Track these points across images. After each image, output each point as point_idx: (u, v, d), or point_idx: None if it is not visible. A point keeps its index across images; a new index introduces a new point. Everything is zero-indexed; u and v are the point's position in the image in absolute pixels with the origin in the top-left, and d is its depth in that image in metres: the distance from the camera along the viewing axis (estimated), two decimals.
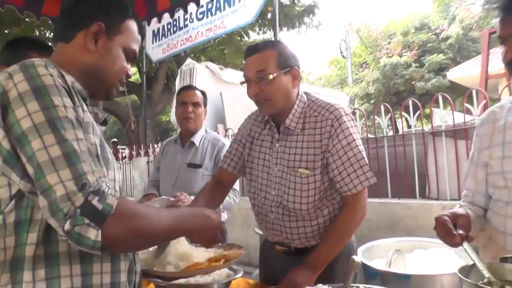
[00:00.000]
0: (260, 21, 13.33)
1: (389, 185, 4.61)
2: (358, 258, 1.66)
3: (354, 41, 24.42)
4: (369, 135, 5.13)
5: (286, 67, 1.98)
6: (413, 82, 19.31)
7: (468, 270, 1.27)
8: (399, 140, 4.61)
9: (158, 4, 4.61)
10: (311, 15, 13.56)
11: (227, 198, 2.90)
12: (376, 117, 4.81)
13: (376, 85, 20.49)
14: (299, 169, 2.00)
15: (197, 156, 3.17)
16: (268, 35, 14.07)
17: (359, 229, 2.95)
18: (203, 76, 7.73)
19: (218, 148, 3.17)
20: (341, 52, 22.96)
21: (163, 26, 7.78)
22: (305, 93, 2.13)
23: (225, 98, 7.66)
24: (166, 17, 6.69)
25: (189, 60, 8.02)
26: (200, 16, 7.04)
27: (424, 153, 4.42)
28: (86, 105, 1.29)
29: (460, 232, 1.38)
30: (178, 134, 3.41)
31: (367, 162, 1.96)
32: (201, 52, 12.62)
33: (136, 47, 1.47)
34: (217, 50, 13.10)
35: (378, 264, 2.44)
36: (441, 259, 1.80)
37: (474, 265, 1.27)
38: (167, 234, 1.32)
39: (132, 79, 16.47)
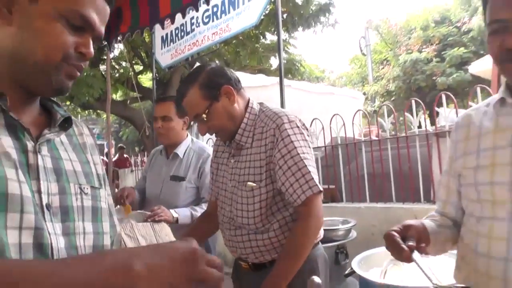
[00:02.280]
0: (275, 22, 13.27)
1: (393, 189, 4.47)
2: (318, 279, 1.57)
3: (374, 38, 24.25)
4: (385, 135, 4.93)
5: (214, 94, 1.95)
6: (434, 78, 19.08)
7: None
8: (403, 142, 4.48)
9: (160, 11, 4.62)
10: (327, 14, 13.42)
11: None
12: (407, 113, 4.59)
13: (397, 82, 20.34)
14: (247, 183, 1.95)
15: (181, 168, 3.09)
16: (284, 35, 13.98)
17: (362, 235, 2.86)
18: None
19: (203, 159, 3.08)
20: (361, 50, 22.88)
21: (171, 32, 7.77)
22: (259, 103, 2.08)
23: None
24: (176, 22, 6.76)
25: (198, 65, 8.00)
26: (206, 20, 7.01)
27: (428, 154, 4.28)
28: (3, 110, 0.93)
29: (409, 243, 1.29)
30: (163, 145, 3.34)
31: (310, 170, 1.87)
32: (215, 55, 12.62)
33: (86, 10, 0.99)
34: (231, 53, 13.06)
35: (374, 275, 2.36)
36: (440, 268, 1.70)
37: None
38: None
39: (147, 84, 16.61)
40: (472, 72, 14.23)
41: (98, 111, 16.30)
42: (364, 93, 21.44)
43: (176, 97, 2.09)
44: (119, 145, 16.65)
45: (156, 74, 12.79)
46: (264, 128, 1.96)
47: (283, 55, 14.15)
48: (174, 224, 2.69)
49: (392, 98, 20.90)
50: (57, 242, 0.93)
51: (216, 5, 6.71)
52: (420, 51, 19.95)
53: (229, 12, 6.52)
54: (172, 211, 2.73)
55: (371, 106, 21.39)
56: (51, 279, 0.69)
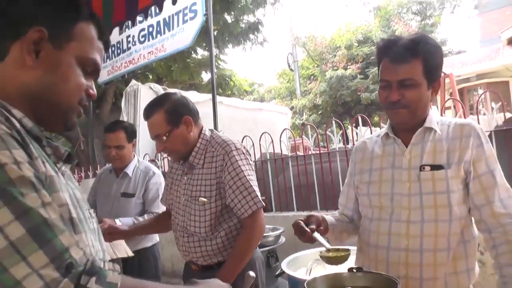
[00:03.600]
0: (206, 38, 13.58)
1: (318, 198, 4.94)
2: (253, 273, 1.95)
3: (302, 54, 25.11)
4: (308, 151, 5.41)
5: (177, 121, 2.33)
6: (359, 93, 20.10)
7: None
8: (326, 157, 4.98)
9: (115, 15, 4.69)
10: (255, 32, 13.95)
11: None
12: (328, 132, 5.15)
13: (324, 97, 21.21)
14: (199, 198, 2.33)
15: (130, 186, 3.46)
16: (214, 51, 14.33)
17: (290, 240, 3.27)
18: (147, 96, 7.94)
19: (148, 176, 3.48)
20: (289, 65, 23.59)
21: (108, 33, 7.93)
22: (210, 130, 2.47)
23: None
24: (112, 39, 6.92)
25: (133, 82, 8.23)
26: (142, 39, 7.25)
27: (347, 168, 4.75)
28: (43, 146, 1.03)
29: (311, 227, 1.71)
30: (112, 166, 3.66)
31: (255, 189, 2.28)
32: (149, 70, 12.77)
33: (96, 56, 1.13)
34: (164, 68, 13.27)
35: (301, 273, 2.78)
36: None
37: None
38: None
39: None
40: None
41: None
42: (292, 107, 22.18)
43: (144, 115, 2.41)
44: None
45: None
46: (215, 152, 2.35)
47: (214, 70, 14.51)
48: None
49: (320, 112, 21.86)
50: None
51: (151, 25, 7.03)
52: (345, 68, 20.96)
53: (164, 33, 6.84)
54: (116, 220, 3.07)
55: (299, 119, 22.17)
56: None
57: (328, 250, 1.68)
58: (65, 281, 0.79)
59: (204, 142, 2.42)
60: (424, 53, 1.74)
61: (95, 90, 1.17)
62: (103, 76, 8.12)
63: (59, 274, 0.79)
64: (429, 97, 1.82)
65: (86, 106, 1.19)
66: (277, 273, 3.43)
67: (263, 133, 5.37)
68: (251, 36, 14.00)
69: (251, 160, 2.42)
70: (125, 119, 7.90)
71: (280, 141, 5.25)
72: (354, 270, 1.58)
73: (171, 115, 2.32)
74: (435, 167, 1.76)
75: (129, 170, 3.51)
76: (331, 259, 1.67)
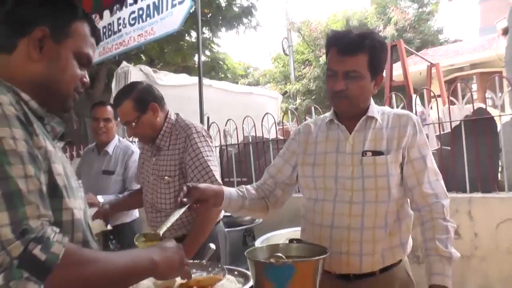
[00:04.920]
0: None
1: None
2: (213, 245, 2.12)
3: (297, 39, 25.08)
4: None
5: (144, 108, 2.53)
6: None
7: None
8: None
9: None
10: (249, 16, 14.00)
11: None
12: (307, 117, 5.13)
13: (317, 82, 21.28)
14: (165, 177, 2.54)
15: (111, 163, 3.64)
16: (207, 34, 14.44)
17: (267, 220, 3.47)
18: (137, 78, 8.01)
19: (127, 155, 3.66)
20: (284, 50, 23.57)
21: (99, 30, 8.01)
22: (176, 114, 2.65)
23: None
24: (104, 20, 7.03)
25: (124, 63, 8.31)
26: (132, 22, 7.31)
27: None
28: (44, 124, 1.23)
29: (184, 200, 1.81)
30: (95, 143, 3.86)
31: (212, 168, 2.48)
32: (141, 51, 12.84)
33: (89, 51, 1.34)
34: (157, 50, 13.34)
35: None
36: None
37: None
38: (124, 277, 1.14)
39: None
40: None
41: None
42: (286, 92, 22.26)
43: (113, 104, 2.63)
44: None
45: None
46: (178, 135, 2.57)
47: (207, 53, 14.54)
48: None
49: (313, 97, 21.92)
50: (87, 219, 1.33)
51: (141, 8, 7.11)
52: None
53: (153, 16, 6.93)
54: (99, 197, 3.25)
55: (292, 104, 22.28)
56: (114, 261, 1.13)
57: (151, 234, 1.74)
58: (17, 243, 0.92)
59: (169, 126, 2.63)
60: (370, 48, 1.89)
61: (88, 79, 1.38)
62: (94, 57, 8.19)
63: (13, 236, 0.93)
64: (371, 89, 1.99)
65: (81, 92, 1.38)
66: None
67: (245, 117, 5.52)
68: (245, 20, 14.07)
69: (211, 142, 2.61)
70: None
71: (262, 125, 5.40)
72: (294, 242, 1.78)
73: (138, 103, 2.53)
74: (376, 153, 1.94)
75: (110, 148, 3.70)
76: (141, 244, 1.71)
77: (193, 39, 14.71)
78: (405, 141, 1.94)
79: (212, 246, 2.12)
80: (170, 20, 6.61)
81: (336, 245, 1.94)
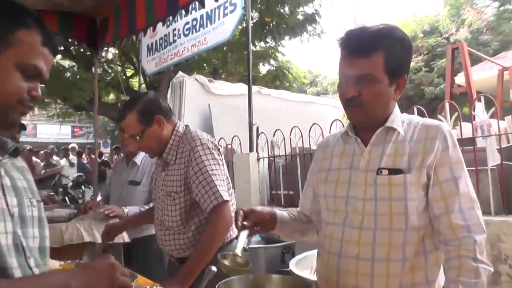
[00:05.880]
0: (264, 31, 13.67)
1: None
2: (214, 267, 1.97)
3: None
4: None
5: (148, 121, 2.40)
6: (423, 87, 19.27)
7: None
8: None
9: (137, 23, 4.98)
10: (313, 24, 13.82)
11: None
12: None
13: None
14: (172, 193, 2.40)
15: (138, 174, 3.57)
16: (271, 43, 14.40)
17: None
18: (192, 88, 8.09)
19: (155, 166, 3.54)
20: None
21: (156, 41, 8.18)
22: (185, 126, 2.52)
23: (213, 109, 8.00)
24: (160, 32, 7.14)
25: (179, 73, 8.37)
26: (186, 32, 7.40)
27: None
28: None
29: (244, 223, 1.70)
30: (125, 153, 3.80)
31: (217, 183, 2.31)
32: (203, 60, 13.01)
33: (38, 61, 1.23)
34: (220, 59, 13.45)
35: (307, 273, 2.77)
36: None
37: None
38: None
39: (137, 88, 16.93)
40: (459, 83, 14.56)
41: (91, 112, 16.64)
42: None
43: (118, 117, 2.53)
44: (115, 145, 16.88)
45: (148, 78, 13.20)
46: (184, 149, 2.43)
47: (272, 62, 14.49)
48: None
49: None
50: (25, 243, 1.23)
51: (195, 19, 7.16)
52: None
53: (206, 26, 6.95)
54: (123, 208, 3.24)
55: None
56: None
57: (232, 256, 1.67)
58: None
59: (177, 138, 2.48)
60: (386, 47, 1.61)
61: (38, 91, 1.27)
62: (152, 68, 8.36)
63: None
64: (390, 95, 1.68)
65: (30, 106, 1.27)
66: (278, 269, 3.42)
67: (293, 127, 5.33)
68: (309, 27, 13.90)
69: (218, 155, 2.45)
70: None
71: (309, 136, 5.18)
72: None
73: (143, 115, 2.41)
74: (393, 171, 1.64)
75: (138, 159, 3.64)
76: (226, 267, 1.66)
77: (258, 48, 14.72)
78: (432, 157, 1.62)
79: (214, 268, 1.96)
80: (222, 30, 6.61)
81: (343, 278, 1.69)
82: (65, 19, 5.17)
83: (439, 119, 4.60)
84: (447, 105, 4.42)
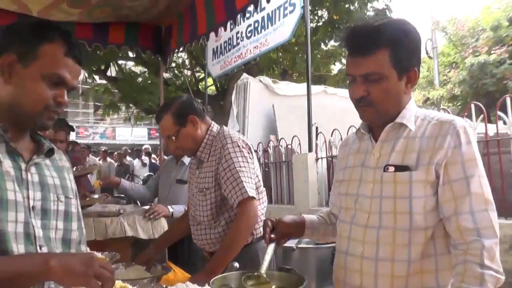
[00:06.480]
0: (331, 29, 13.53)
1: None
2: (236, 264, 2.08)
3: (442, 40, 23.29)
4: None
5: (183, 122, 2.53)
6: (505, 82, 17.85)
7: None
8: None
9: (199, 29, 5.14)
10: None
11: None
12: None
13: (463, 87, 19.42)
14: (204, 189, 2.53)
15: (186, 174, 3.67)
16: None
17: None
18: (257, 89, 8.20)
19: None
20: (427, 53, 21.94)
21: (220, 45, 8.36)
22: (220, 126, 2.65)
23: (277, 110, 8.07)
24: (224, 35, 7.28)
25: (244, 75, 8.53)
26: (248, 35, 7.52)
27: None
28: (5, 141, 1.37)
29: (271, 236, 1.76)
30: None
31: (243, 180, 2.38)
32: (273, 62, 13.05)
33: (61, 71, 1.40)
34: (289, 60, 13.44)
35: None
36: None
37: None
38: (11, 276, 1.18)
39: (208, 91, 17.21)
40: None
41: None
42: (428, 98, 20.88)
43: (156, 120, 2.67)
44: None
45: (217, 81, 13.45)
46: (216, 147, 2.54)
47: (343, 61, 14.26)
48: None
49: (458, 104, 20.11)
50: (38, 233, 1.38)
51: (257, 21, 7.28)
52: (489, 53, 18.88)
53: (267, 28, 7.05)
54: (169, 206, 3.38)
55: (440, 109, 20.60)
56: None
57: (256, 277, 1.70)
58: None
59: (210, 137, 2.60)
60: (391, 41, 1.57)
61: (64, 98, 1.44)
62: (217, 71, 8.56)
63: None
64: (401, 89, 1.63)
65: (57, 111, 1.45)
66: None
67: (350, 127, 5.27)
68: None
69: (248, 153, 2.52)
70: (235, 112, 8.27)
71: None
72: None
73: (178, 117, 2.53)
74: (400, 168, 1.60)
75: (186, 159, 3.75)
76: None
77: (329, 47, 14.55)
78: (442, 154, 1.55)
79: (236, 264, 2.04)
80: (282, 30, 6.68)
81: (350, 276, 1.69)
82: (131, 29, 5.41)
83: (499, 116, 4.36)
84: (508, 99, 4.06)
